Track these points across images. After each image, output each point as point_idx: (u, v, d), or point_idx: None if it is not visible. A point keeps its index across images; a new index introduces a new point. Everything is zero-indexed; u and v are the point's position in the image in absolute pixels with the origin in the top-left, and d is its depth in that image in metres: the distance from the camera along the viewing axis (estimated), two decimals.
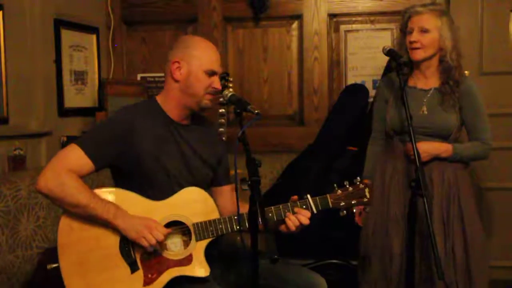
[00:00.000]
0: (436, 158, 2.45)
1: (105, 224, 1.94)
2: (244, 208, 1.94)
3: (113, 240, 1.95)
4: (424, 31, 2.43)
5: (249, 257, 1.78)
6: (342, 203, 2.04)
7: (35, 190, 2.00)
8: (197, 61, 2.06)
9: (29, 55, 3.23)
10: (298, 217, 1.99)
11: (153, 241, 1.90)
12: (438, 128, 2.46)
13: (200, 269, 1.97)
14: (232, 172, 2.18)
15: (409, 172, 2.48)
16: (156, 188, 2.03)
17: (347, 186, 2.06)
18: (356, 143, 3.55)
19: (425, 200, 2.10)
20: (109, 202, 1.94)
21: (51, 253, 2.76)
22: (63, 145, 3.32)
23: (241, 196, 1.94)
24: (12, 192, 2.68)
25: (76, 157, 1.96)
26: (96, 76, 3.84)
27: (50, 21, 3.40)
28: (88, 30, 3.79)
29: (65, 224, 1.96)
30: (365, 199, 2.06)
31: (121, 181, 2.08)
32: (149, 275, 1.94)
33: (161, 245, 1.95)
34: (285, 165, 3.70)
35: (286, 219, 2.00)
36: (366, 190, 2.06)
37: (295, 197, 2.04)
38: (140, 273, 1.95)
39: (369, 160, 2.71)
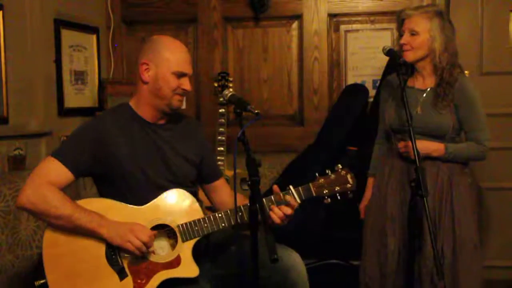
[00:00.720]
0: (428, 158, 2.45)
1: (90, 235, 1.93)
2: (239, 202, 1.95)
3: (99, 250, 1.95)
4: (413, 33, 2.44)
5: (238, 241, 1.84)
6: (325, 191, 2.06)
7: (17, 207, 1.99)
8: (165, 63, 2.05)
9: (29, 55, 3.23)
10: (281, 208, 2.01)
11: (138, 244, 1.90)
12: (432, 128, 2.46)
13: (189, 269, 1.97)
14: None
15: (406, 171, 2.50)
16: (138, 191, 2.03)
17: (329, 174, 2.09)
18: (356, 143, 3.55)
19: (425, 200, 2.10)
20: (92, 212, 1.93)
21: None
22: None
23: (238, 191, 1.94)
24: (12, 192, 2.68)
25: (53, 169, 1.97)
26: (96, 76, 3.84)
27: (50, 21, 3.40)
28: (88, 30, 3.78)
29: (49, 239, 1.95)
30: (349, 185, 2.08)
31: (103, 188, 2.09)
32: (139, 281, 1.94)
33: (148, 249, 1.95)
34: (285, 165, 3.70)
35: (270, 212, 2.01)
36: (349, 176, 2.09)
37: (276, 187, 2.06)
38: (129, 280, 1.95)
39: (375, 158, 2.75)
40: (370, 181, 2.72)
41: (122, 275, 1.94)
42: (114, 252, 1.95)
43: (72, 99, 3.60)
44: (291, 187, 2.06)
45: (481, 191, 3.63)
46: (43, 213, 1.93)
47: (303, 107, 3.92)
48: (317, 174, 2.09)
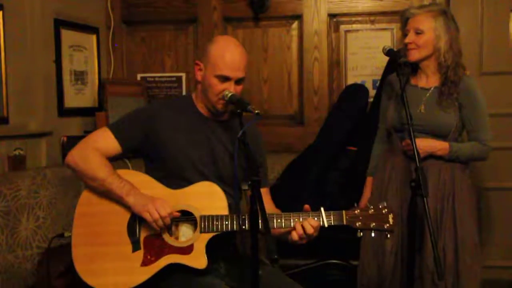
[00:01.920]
0: (432, 156, 2.45)
1: (120, 202, 2.02)
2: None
3: (124, 218, 2.03)
4: (419, 32, 2.45)
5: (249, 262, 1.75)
6: (359, 223, 1.97)
7: (65, 164, 2.14)
8: (210, 66, 2.07)
9: (29, 55, 3.23)
10: (304, 226, 1.94)
11: (156, 216, 1.93)
12: (435, 127, 2.46)
13: (197, 260, 1.97)
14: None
15: (407, 170, 2.50)
16: (180, 176, 2.07)
17: (369, 207, 2.00)
18: (356, 143, 3.55)
19: (425, 201, 2.10)
20: (125, 181, 2.02)
21: (51, 253, 2.77)
22: (63, 145, 3.33)
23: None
24: (12, 192, 2.68)
25: (104, 138, 2.10)
26: (96, 76, 3.84)
27: (50, 21, 3.40)
28: (88, 30, 3.78)
29: (85, 198, 2.08)
30: (387, 225, 1.98)
31: (149, 166, 2.17)
32: (148, 257, 1.99)
33: (167, 229, 1.98)
34: (285, 165, 3.70)
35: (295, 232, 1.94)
36: (390, 216, 1.98)
37: (307, 206, 1.99)
38: (140, 253, 2.00)
39: (374, 158, 2.76)
40: (369, 180, 2.72)
41: (135, 246, 2.01)
42: (135, 223, 2.02)
43: (72, 99, 3.60)
44: (322, 209, 1.98)
45: (480, 192, 3.63)
46: (82, 172, 2.05)
47: (303, 107, 3.92)
48: (356, 204, 2.02)
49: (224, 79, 2.06)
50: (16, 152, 3.00)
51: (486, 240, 3.60)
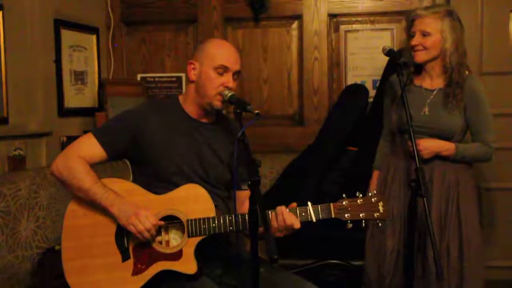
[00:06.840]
0: (438, 157, 2.45)
1: (106, 213, 1.99)
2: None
3: (111, 228, 2.01)
4: (425, 34, 2.44)
5: (249, 261, 1.74)
6: (347, 215, 1.91)
7: (50, 173, 2.13)
8: (207, 60, 2.07)
9: (29, 55, 3.23)
10: (284, 217, 1.90)
11: (141, 228, 1.92)
12: (440, 129, 2.46)
13: (188, 265, 1.96)
14: None
15: (410, 171, 2.49)
16: (167, 180, 2.05)
17: (358, 197, 1.94)
18: (356, 143, 3.55)
19: (425, 201, 2.10)
20: (110, 190, 1.99)
21: (51, 253, 2.77)
22: (63, 145, 3.33)
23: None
24: (12, 192, 2.68)
25: (88, 145, 2.06)
26: (96, 76, 3.84)
27: (50, 21, 3.41)
28: (88, 30, 3.79)
29: (72, 209, 2.05)
30: (377, 214, 1.91)
31: (136, 170, 2.15)
32: (139, 265, 1.98)
33: (152, 236, 1.96)
34: (285, 165, 3.70)
35: (273, 221, 1.91)
36: (380, 204, 1.92)
37: (295, 204, 1.96)
38: (130, 262, 1.99)
39: (380, 152, 2.75)
40: (375, 173, 2.72)
41: (125, 256, 1.99)
42: (122, 233, 2.00)
43: (72, 99, 3.60)
44: (309, 203, 1.95)
45: (481, 192, 3.63)
46: (66, 182, 2.03)
47: (303, 107, 3.92)
48: (344, 195, 1.95)
49: (223, 71, 2.06)
50: (16, 152, 3.00)
51: (487, 240, 3.59)
